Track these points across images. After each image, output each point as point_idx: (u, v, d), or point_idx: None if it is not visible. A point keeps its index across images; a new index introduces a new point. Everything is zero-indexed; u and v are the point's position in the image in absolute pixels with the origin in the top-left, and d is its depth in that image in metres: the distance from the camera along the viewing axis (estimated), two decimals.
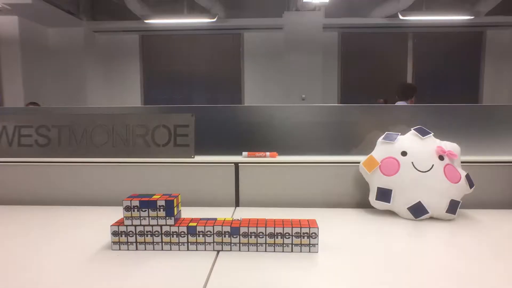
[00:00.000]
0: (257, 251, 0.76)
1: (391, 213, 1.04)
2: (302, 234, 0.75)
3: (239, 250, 0.77)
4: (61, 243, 0.83)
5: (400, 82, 5.10)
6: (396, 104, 3.42)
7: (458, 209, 0.98)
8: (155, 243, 0.78)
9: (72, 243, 0.83)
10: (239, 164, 1.14)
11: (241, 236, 0.76)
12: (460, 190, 1.00)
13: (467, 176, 1.02)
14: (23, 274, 0.68)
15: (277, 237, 0.76)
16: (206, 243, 0.77)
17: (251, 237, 0.76)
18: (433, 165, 1.01)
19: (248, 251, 0.77)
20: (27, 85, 4.67)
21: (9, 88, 4.62)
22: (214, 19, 4.74)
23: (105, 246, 0.80)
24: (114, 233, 0.77)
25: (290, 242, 0.76)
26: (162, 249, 0.77)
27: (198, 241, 0.77)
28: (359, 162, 1.09)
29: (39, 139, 1.21)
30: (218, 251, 0.77)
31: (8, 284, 0.65)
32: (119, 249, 0.78)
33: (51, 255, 0.77)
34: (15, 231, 0.92)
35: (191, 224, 0.78)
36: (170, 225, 0.77)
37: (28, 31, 4.68)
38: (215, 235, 0.77)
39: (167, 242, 0.78)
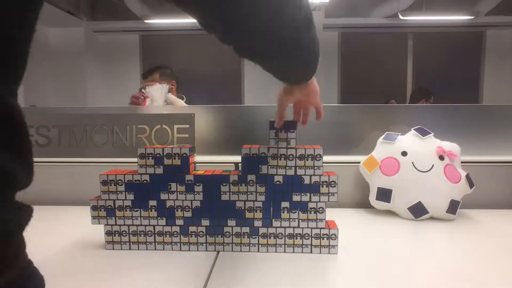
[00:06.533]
0: (266, 251, 0.76)
1: (391, 213, 1.04)
2: (321, 235, 0.76)
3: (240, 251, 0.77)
4: (57, 242, 0.83)
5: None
6: None
7: (458, 209, 0.98)
8: (148, 243, 0.78)
9: (70, 243, 0.83)
10: (239, 164, 1.14)
11: (260, 237, 0.76)
12: (460, 190, 1.00)
13: (467, 176, 1.02)
14: None
15: (296, 238, 0.76)
16: (208, 243, 0.77)
17: (270, 238, 0.76)
18: (433, 165, 1.01)
19: (246, 251, 0.76)
20: (27, 85, 4.64)
21: None
22: None
23: (100, 245, 0.80)
24: (108, 233, 0.78)
25: (309, 243, 0.76)
26: (155, 249, 0.78)
27: (198, 241, 0.77)
28: (359, 162, 1.09)
29: (39, 139, 1.20)
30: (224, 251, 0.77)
31: None
32: (113, 249, 0.78)
33: (45, 254, 0.77)
34: None
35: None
36: (163, 225, 0.77)
37: None
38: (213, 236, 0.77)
39: (160, 241, 0.78)
